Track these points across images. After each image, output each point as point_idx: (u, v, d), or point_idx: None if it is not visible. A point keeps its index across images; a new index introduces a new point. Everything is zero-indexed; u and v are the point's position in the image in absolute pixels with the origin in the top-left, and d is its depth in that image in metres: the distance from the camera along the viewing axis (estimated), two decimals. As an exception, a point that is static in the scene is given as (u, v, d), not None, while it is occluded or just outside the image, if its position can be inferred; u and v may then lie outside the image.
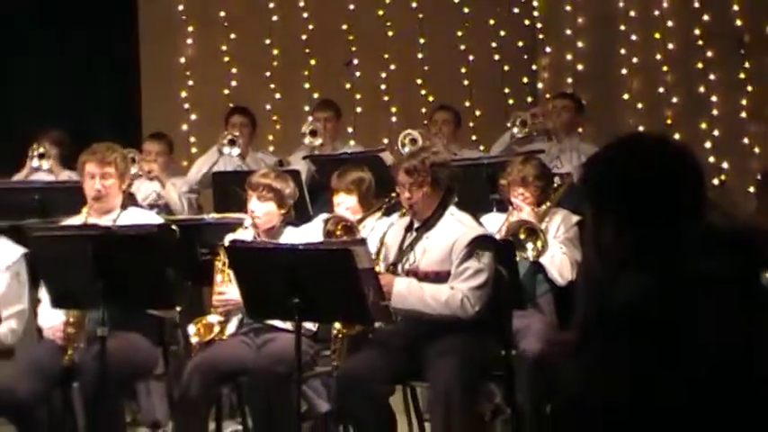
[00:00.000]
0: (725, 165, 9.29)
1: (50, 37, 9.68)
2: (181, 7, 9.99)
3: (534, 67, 10.22)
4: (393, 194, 5.60)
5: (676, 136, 8.19)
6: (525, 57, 10.21)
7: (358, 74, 10.02)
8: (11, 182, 7.63)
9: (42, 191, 7.13)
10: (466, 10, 10.05)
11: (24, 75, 9.45)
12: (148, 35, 9.98)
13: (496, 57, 10.13)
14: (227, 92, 9.89)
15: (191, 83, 9.99)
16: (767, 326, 2.33)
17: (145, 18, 9.97)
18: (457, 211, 5.35)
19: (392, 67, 10.02)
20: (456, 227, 5.27)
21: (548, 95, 9.52)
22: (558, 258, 5.86)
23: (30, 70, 9.49)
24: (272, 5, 9.99)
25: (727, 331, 2.25)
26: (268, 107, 9.73)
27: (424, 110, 9.53)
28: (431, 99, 9.67)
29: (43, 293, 5.45)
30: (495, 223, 5.74)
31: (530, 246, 5.80)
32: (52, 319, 5.47)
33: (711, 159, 9.11)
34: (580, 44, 9.94)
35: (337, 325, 5.45)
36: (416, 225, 5.35)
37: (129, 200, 6.08)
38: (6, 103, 9.18)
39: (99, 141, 5.87)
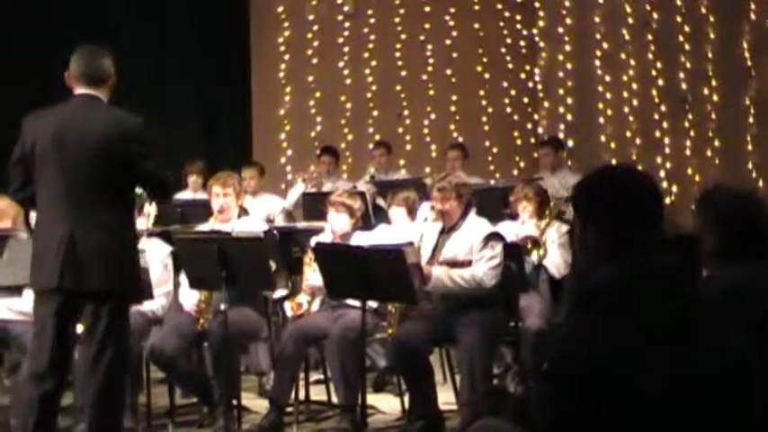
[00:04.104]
0: (674, 189, 9.22)
1: (190, 94, 9.83)
2: (281, 74, 10.05)
3: (536, 117, 10.18)
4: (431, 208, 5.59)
5: (639, 167, 8.14)
6: (529, 109, 10.17)
7: (407, 121, 10.02)
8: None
9: (183, 205, 7.20)
10: (486, 75, 10.04)
11: (179, 124, 9.60)
12: (259, 94, 10.05)
13: (508, 109, 10.10)
14: (313, 134, 9.93)
15: (288, 128, 10.03)
16: (700, 304, 2.31)
17: (256, 82, 10.05)
18: (475, 217, 5.34)
19: (432, 116, 10.01)
20: (475, 227, 5.26)
21: (546, 137, 9.49)
22: (555, 260, 5.84)
23: (181, 124, 9.65)
24: (345, 72, 10.02)
25: (667, 309, 2.23)
26: (342, 146, 9.73)
27: (455, 147, 9.53)
28: (460, 140, 9.66)
29: (183, 279, 5.49)
30: (507, 229, 5.71)
31: (534, 253, 5.77)
32: (189, 297, 5.51)
33: (664, 185, 9.04)
34: (569, 100, 9.89)
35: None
36: (446, 229, 5.35)
37: (243, 212, 6.11)
38: (166, 145, 9.21)
39: (223, 171, 5.93)
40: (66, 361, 4.13)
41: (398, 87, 10.01)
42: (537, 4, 10.12)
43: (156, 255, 5.47)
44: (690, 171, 9.30)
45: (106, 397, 4.04)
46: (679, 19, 9.36)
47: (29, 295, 4.60)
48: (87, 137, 4.01)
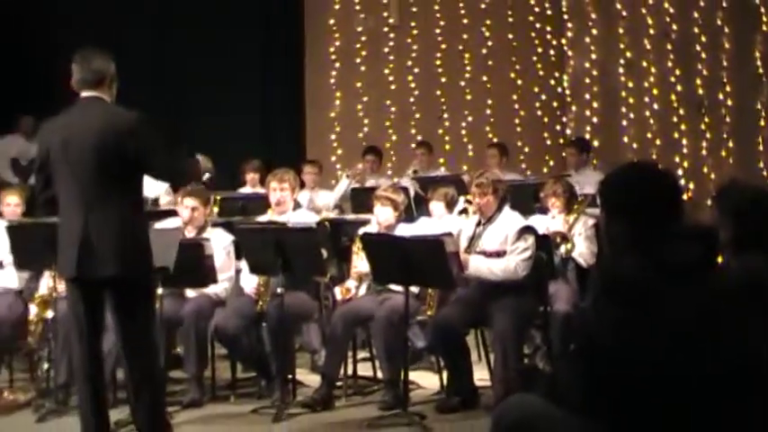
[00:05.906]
0: (691, 185, 9.13)
1: (249, 99, 9.92)
2: (332, 80, 10.08)
3: (564, 120, 10.11)
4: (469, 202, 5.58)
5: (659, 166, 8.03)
6: (558, 112, 10.10)
7: (447, 123, 9.99)
8: (232, 193, 7.69)
9: (244, 199, 7.25)
10: (519, 82, 9.99)
11: (239, 125, 9.70)
12: (311, 99, 10.09)
13: (539, 112, 10.04)
14: (360, 135, 9.93)
15: (338, 129, 10.05)
16: (718, 294, 2.29)
17: (309, 88, 10.09)
18: (510, 211, 5.33)
19: (469, 119, 9.97)
20: (509, 221, 5.26)
21: (573, 138, 9.42)
22: (583, 251, 5.80)
23: (241, 126, 9.74)
24: (390, 78, 10.02)
25: (687, 303, 2.21)
26: (387, 145, 9.74)
27: (490, 147, 9.50)
28: (495, 140, 9.62)
29: (244, 265, 5.53)
30: (537, 222, 5.68)
31: (562, 247, 5.73)
32: (250, 282, 5.56)
33: (682, 182, 8.94)
34: (595, 104, 9.81)
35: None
36: (483, 221, 5.34)
37: (297, 205, 6.14)
38: (227, 144, 9.26)
39: (279, 167, 5.96)
40: (99, 340, 4.11)
41: (438, 92, 9.99)
42: (565, 17, 10.06)
43: (219, 243, 5.52)
44: (706, 170, 9.20)
45: (145, 382, 4.00)
46: (696, 30, 9.27)
47: None
48: (87, 137, 3.93)
